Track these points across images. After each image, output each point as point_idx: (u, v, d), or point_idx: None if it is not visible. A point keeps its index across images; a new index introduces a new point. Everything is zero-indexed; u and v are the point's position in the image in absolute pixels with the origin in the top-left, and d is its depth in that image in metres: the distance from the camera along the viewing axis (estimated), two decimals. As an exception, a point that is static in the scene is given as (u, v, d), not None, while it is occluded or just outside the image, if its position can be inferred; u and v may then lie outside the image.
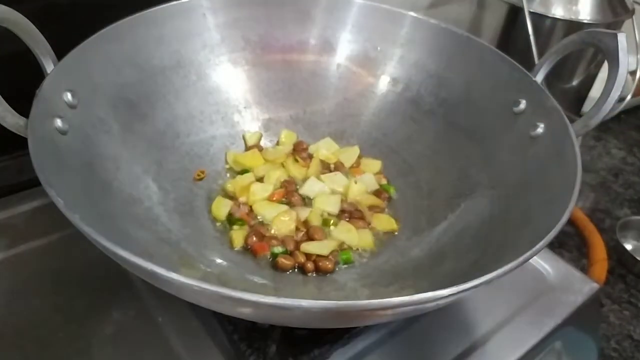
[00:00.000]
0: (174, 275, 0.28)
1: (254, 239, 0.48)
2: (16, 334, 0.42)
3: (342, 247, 0.49)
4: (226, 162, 0.56)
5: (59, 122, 0.40)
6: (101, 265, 0.38)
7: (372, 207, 0.53)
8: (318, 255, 0.47)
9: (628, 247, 0.67)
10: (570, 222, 0.71)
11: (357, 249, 0.49)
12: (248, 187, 0.52)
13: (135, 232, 0.42)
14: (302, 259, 0.46)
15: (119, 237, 0.38)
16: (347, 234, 0.49)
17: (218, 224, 0.50)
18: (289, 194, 0.53)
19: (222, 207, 0.50)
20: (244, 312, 0.33)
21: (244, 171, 0.54)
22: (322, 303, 0.28)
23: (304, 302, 0.27)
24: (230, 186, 0.53)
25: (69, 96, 0.42)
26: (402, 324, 0.46)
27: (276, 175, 0.54)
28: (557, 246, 0.67)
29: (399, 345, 0.45)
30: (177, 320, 0.43)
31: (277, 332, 0.41)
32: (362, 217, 0.51)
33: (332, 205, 0.52)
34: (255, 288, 0.44)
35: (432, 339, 0.46)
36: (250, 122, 0.59)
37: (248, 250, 0.48)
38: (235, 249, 0.48)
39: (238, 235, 0.48)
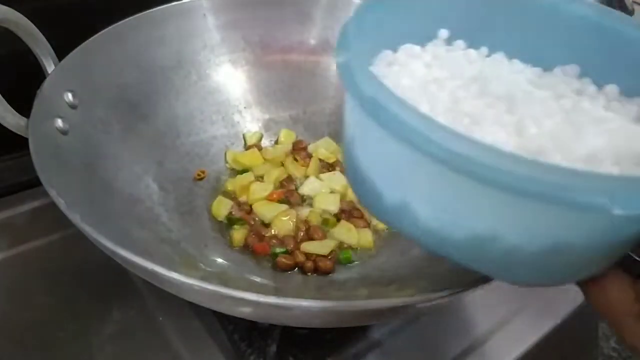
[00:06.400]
0: (174, 275, 0.28)
1: (254, 238, 0.48)
2: (17, 333, 0.42)
3: (341, 247, 0.49)
4: (226, 162, 0.56)
5: (59, 122, 0.40)
6: (102, 265, 0.38)
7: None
8: (318, 255, 0.47)
9: (628, 247, 0.67)
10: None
11: (357, 249, 0.49)
12: (248, 187, 0.52)
13: (135, 231, 0.42)
14: (302, 258, 0.46)
15: (120, 237, 0.39)
16: (347, 233, 0.49)
17: (218, 223, 0.50)
18: (289, 193, 0.53)
19: (222, 207, 0.50)
20: (244, 312, 0.33)
21: (243, 171, 0.54)
22: (322, 303, 0.28)
23: (303, 302, 0.27)
24: (230, 185, 0.53)
25: (69, 96, 0.42)
26: (402, 324, 0.46)
27: (275, 175, 0.54)
28: (557, 246, 0.67)
29: (399, 344, 0.45)
30: (178, 320, 0.44)
31: (278, 331, 0.41)
32: (361, 216, 0.51)
33: (331, 204, 0.52)
34: (256, 287, 0.44)
35: (432, 339, 0.46)
36: (250, 122, 0.59)
37: (248, 249, 0.48)
38: (235, 248, 0.48)
39: (238, 235, 0.48)
